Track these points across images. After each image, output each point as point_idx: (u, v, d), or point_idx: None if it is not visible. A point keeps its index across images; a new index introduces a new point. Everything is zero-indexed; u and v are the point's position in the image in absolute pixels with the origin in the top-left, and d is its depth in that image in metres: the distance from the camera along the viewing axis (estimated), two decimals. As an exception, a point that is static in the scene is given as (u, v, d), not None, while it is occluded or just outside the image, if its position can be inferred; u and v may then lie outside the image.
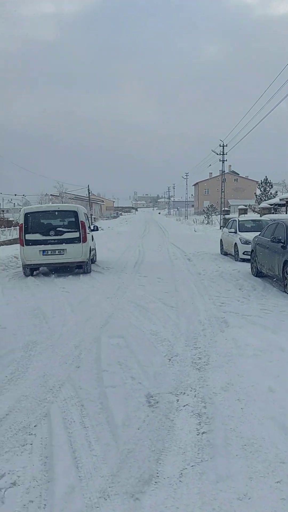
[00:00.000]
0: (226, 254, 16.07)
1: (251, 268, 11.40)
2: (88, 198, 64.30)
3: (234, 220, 16.51)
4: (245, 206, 37.50)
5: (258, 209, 30.52)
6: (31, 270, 12.18)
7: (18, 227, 12.80)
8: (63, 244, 11.85)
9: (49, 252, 11.86)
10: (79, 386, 4.35)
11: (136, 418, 3.67)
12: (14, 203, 74.09)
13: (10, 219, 42.43)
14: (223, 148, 43.07)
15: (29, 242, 11.82)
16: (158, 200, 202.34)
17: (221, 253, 16.54)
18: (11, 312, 7.77)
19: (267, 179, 43.47)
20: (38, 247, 11.80)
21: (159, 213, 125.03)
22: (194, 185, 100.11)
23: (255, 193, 44.16)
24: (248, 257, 12.48)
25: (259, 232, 11.67)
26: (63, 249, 11.85)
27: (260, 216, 22.68)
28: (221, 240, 16.96)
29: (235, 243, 14.45)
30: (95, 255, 14.61)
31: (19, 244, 12.41)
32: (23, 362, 5.12)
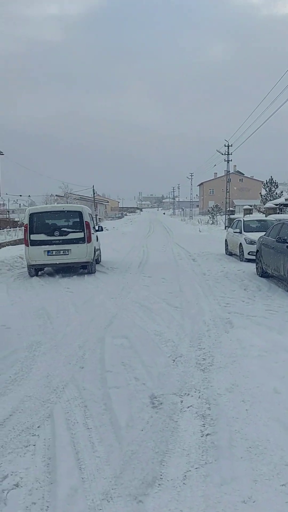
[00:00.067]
0: (231, 254, 16.00)
1: (256, 268, 11.34)
2: (93, 199, 64.37)
3: (239, 220, 16.44)
4: (250, 206, 37.38)
5: (263, 209, 30.39)
6: (36, 270, 12.19)
7: (23, 228, 12.81)
8: (68, 244, 11.85)
9: (54, 253, 11.87)
10: (83, 387, 4.33)
11: (140, 419, 3.65)
12: (20, 204, 74.38)
13: (16, 219, 42.60)
14: (228, 148, 42.97)
15: (34, 243, 11.83)
16: (163, 201, 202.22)
17: (226, 254, 16.48)
18: (16, 312, 7.78)
19: (272, 179, 43.26)
20: (43, 247, 11.81)
21: (164, 213, 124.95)
22: (199, 185, 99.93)
23: (260, 193, 43.99)
24: (253, 257, 12.42)
25: (264, 232, 11.61)
26: (68, 250, 11.85)
27: (266, 216, 22.57)
28: (226, 240, 16.90)
29: (240, 243, 14.38)
30: (100, 256, 14.60)
31: (24, 245, 12.43)
32: (27, 362, 5.11)
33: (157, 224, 54.25)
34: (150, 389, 4.25)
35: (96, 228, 14.36)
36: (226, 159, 43.29)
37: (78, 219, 12.15)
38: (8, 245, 24.35)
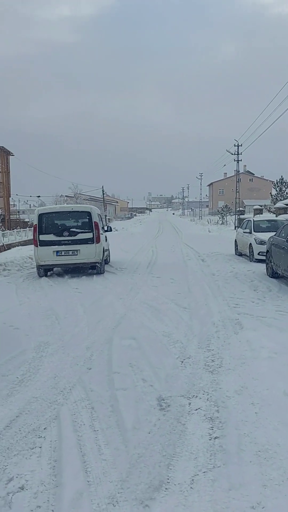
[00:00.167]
0: (241, 254, 15.88)
1: (266, 268, 11.23)
2: (102, 199, 64.49)
3: (249, 220, 16.31)
4: (261, 206, 37.08)
5: (274, 209, 30.15)
6: (45, 270, 12.21)
7: (32, 228, 12.86)
8: (77, 244, 11.85)
9: (63, 253, 11.88)
10: (90, 388, 4.30)
11: (147, 421, 3.60)
12: (30, 204, 74.87)
13: (26, 220, 42.85)
14: (238, 148, 42.77)
15: (43, 243, 11.85)
16: (172, 201, 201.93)
17: (236, 254, 16.36)
18: (24, 313, 7.78)
19: (282, 179, 42.84)
20: (52, 247, 11.82)
21: (173, 213, 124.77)
22: (209, 185, 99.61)
23: (270, 193, 43.64)
24: (263, 257, 12.30)
25: (275, 232, 11.49)
26: (77, 250, 11.85)
27: (276, 216, 22.39)
28: (235, 240, 16.78)
29: (250, 244, 14.26)
30: (109, 256, 14.58)
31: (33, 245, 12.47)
32: (34, 363, 5.10)
33: (166, 224, 54.17)
34: (157, 391, 4.20)
35: (105, 228, 14.35)
36: (236, 159, 43.10)
37: (87, 220, 12.15)
38: (18, 245, 24.48)
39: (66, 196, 65.72)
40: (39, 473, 2.93)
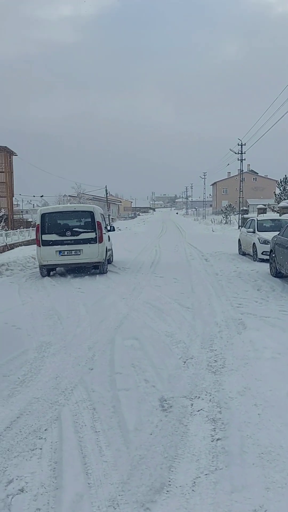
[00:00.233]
0: (244, 254, 15.82)
1: (270, 268, 11.16)
2: (106, 199, 64.48)
3: (252, 219, 16.24)
4: (264, 205, 36.95)
5: (278, 208, 30.03)
6: (47, 270, 12.20)
7: (35, 228, 12.86)
8: (80, 244, 11.83)
9: (66, 253, 11.86)
10: (92, 389, 4.27)
11: (149, 422, 3.57)
12: (33, 204, 74.94)
13: (29, 220, 42.93)
14: (241, 147, 42.60)
15: (46, 243, 11.85)
16: (176, 200, 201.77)
17: (239, 253, 16.29)
18: (27, 312, 7.76)
19: (286, 178, 42.65)
20: (54, 247, 11.81)
21: (177, 213, 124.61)
22: (212, 184, 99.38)
23: (274, 192, 43.49)
24: (267, 257, 12.24)
25: (278, 232, 11.42)
26: (80, 250, 11.84)
27: (280, 216, 22.28)
28: (239, 240, 16.71)
29: (254, 243, 14.19)
30: (112, 256, 14.56)
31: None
32: (36, 363, 5.07)
33: (169, 224, 54.10)
34: (160, 391, 4.17)
35: (108, 228, 14.32)
36: (239, 158, 42.93)
37: (89, 219, 12.13)
38: (21, 245, 24.51)
39: (69, 196, 65.73)
40: (39, 475, 2.91)
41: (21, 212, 57.02)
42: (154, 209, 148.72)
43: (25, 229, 31.09)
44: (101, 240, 11.98)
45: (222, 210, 54.45)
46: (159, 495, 2.68)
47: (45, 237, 11.90)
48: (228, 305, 7.70)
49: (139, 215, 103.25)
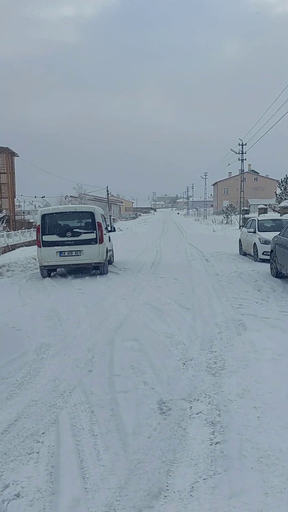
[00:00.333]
0: (245, 254, 15.78)
1: (271, 268, 11.12)
2: (107, 199, 64.45)
3: (253, 219, 16.20)
4: (265, 205, 36.88)
5: (278, 208, 29.96)
6: (48, 271, 12.18)
7: (36, 229, 12.86)
8: (80, 245, 11.81)
9: (66, 253, 11.85)
10: (90, 391, 4.24)
11: (147, 426, 3.53)
12: (35, 205, 75.05)
13: (31, 220, 42.95)
14: (242, 147, 42.53)
15: (46, 243, 11.83)
16: (177, 200, 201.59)
17: (240, 254, 16.26)
18: (27, 314, 7.74)
19: (287, 178, 42.66)
20: (55, 248, 11.80)
21: (178, 213, 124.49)
22: (213, 185, 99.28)
23: (275, 192, 43.43)
24: (268, 257, 12.20)
25: (279, 232, 11.38)
26: (80, 250, 11.82)
27: (281, 216, 22.23)
28: (240, 240, 16.67)
29: (254, 243, 14.16)
30: (113, 256, 14.53)
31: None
32: (35, 365, 5.05)
33: (170, 224, 54.04)
34: (158, 394, 4.14)
35: (109, 228, 14.28)
36: (240, 158, 42.87)
37: (90, 220, 12.11)
38: (22, 246, 24.50)
39: (70, 196, 65.71)
40: (35, 480, 2.88)
41: (23, 213, 57.09)
42: (155, 210, 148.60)
43: (26, 230, 31.10)
44: (101, 241, 11.95)
45: (223, 210, 54.37)
46: (156, 500, 2.65)
47: (46, 237, 11.89)
48: (228, 306, 7.66)
49: (140, 215, 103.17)
